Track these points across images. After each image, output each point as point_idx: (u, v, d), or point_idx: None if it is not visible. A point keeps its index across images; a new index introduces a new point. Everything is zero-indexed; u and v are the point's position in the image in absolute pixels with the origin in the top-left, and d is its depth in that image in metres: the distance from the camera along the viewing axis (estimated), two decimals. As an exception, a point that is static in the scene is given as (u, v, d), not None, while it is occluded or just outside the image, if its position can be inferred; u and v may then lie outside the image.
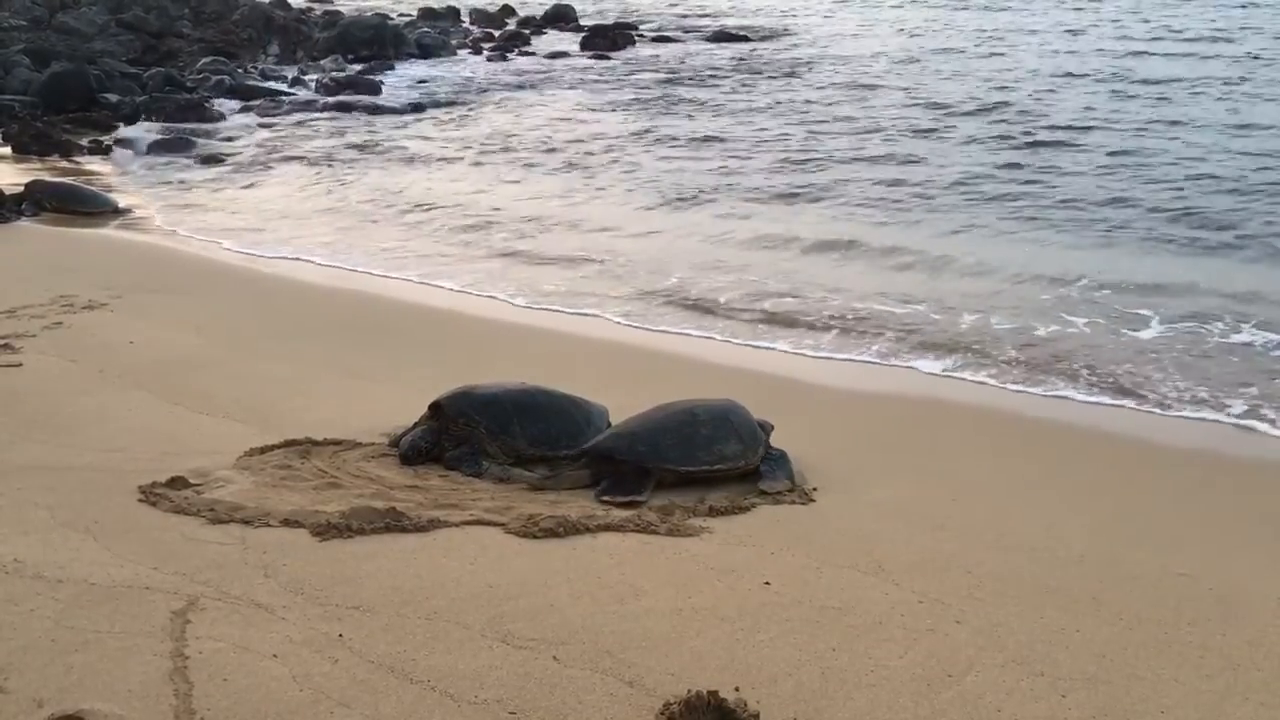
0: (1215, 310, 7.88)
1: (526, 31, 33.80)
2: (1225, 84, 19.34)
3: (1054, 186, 12.34)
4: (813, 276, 9.06)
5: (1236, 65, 21.72)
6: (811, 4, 41.01)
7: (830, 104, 18.88)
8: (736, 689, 3.17)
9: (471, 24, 36.79)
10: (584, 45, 30.33)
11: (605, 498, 4.69)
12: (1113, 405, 6.34)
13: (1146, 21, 30.72)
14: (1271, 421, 6.02)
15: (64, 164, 14.85)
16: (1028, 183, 12.61)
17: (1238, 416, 6.11)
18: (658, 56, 27.40)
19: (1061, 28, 30.23)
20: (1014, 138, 15.28)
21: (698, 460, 4.83)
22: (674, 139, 16.20)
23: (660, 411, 5.05)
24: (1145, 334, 7.49)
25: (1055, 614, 3.74)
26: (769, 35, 31.56)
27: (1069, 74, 21.21)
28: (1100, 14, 33.67)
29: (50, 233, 10.78)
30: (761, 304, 8.29)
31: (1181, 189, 11.95)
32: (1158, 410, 6.24)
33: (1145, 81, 19.89)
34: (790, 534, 4.35)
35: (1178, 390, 6.48)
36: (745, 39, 30.92)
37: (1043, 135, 15.33)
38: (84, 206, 11.89)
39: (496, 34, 33.33)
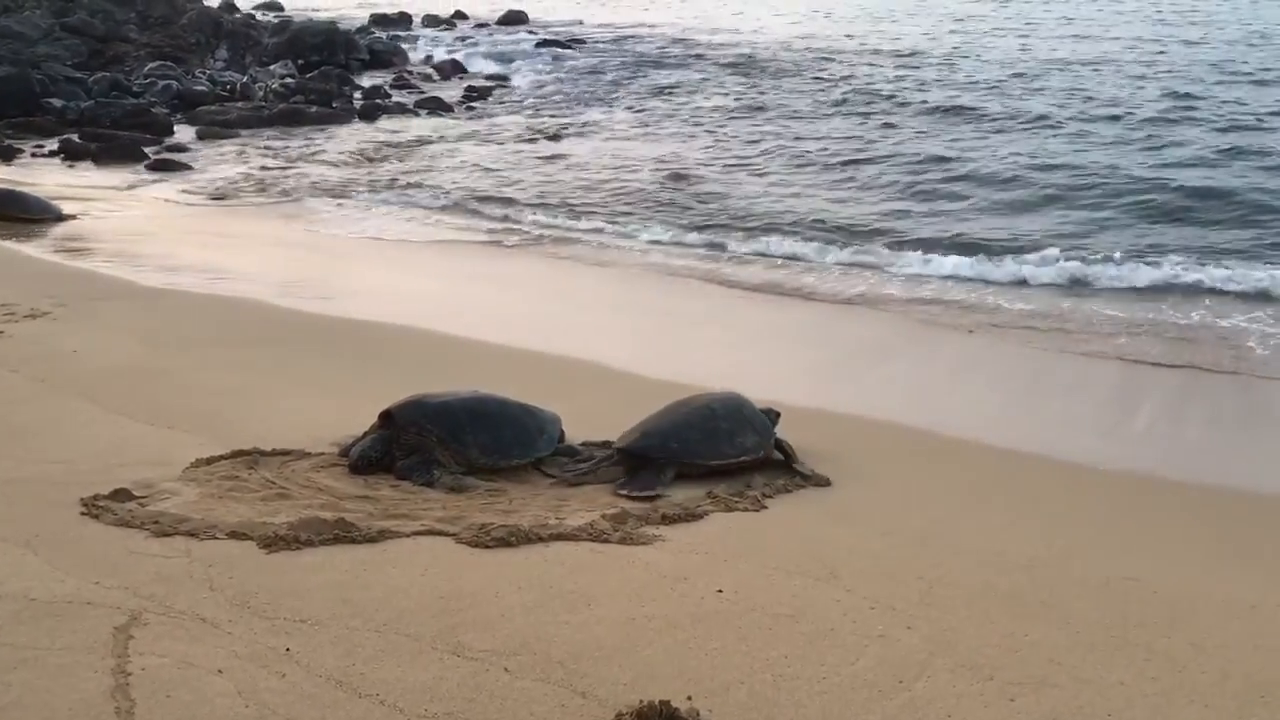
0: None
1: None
2: None
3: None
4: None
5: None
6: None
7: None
8: (689, 698, 3.16)
9: (425, 28, 36.70)
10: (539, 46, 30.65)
11: (623, 493, 4.82)
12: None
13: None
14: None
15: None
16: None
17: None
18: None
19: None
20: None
21: (724, 454, 5.02)
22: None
23: (683, 408, 5.21)
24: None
25: (1005, 619, 3.77)
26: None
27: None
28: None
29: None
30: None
31: None
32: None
33: None
34: (742, 541, 4.36)
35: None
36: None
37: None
38: (27, 212, 11.66)
39: (450, 40, 33.31)
